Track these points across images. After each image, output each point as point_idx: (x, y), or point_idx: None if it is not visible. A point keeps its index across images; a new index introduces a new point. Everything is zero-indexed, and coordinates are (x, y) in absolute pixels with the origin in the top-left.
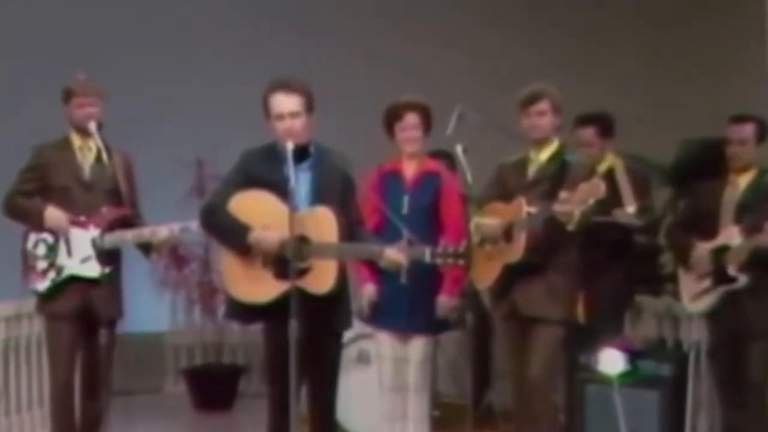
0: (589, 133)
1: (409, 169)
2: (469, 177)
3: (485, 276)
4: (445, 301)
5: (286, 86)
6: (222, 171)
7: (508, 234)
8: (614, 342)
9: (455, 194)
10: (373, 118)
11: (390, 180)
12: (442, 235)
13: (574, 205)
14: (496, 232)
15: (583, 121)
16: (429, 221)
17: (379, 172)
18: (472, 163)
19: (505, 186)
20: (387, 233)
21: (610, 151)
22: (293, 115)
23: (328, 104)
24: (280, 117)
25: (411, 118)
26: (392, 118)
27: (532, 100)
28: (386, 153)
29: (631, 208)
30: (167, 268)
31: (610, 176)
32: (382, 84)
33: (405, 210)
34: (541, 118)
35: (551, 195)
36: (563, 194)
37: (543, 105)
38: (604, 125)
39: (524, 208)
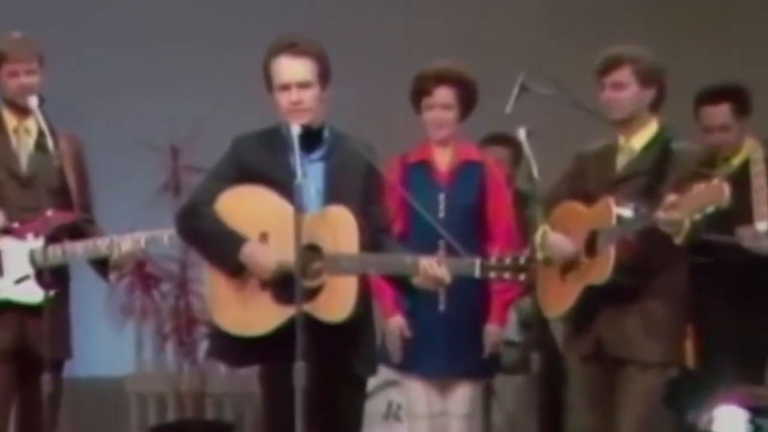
0: (722, 112)
1: (443, 159)
2: (535, 170)
3: (558, 301)
4: (494, 331)
5: (292, 47)
6: (202, 161)
7: (590, 246)
8: (733, 395)
9: (504, 189)
10: (395, 92)
11: (417, 174)
12: (489, 244)
13: (683, 212)
14: (569, 252)
15: (714, 96)
16: (471, 226)
17: (403, 163)
18: (539, 151)
19: (585, 182)
20: (415, 245)
21: (750, 137)
22: (302, 85)
23: (336, 76)
24: (285, 88)
25: (442, 94)
26: (419, 91)
27: (606, 67)
28: (411, 137)
29: (763, 225)
30: (131, 291)
31: (741, 174)
32: (408, 48)
33: (441, 212)
34: (619, 91)
35: (650, 195)
36: (671, 197)
37: (621, 74)
38: (741, 101)
39: (613, 210)
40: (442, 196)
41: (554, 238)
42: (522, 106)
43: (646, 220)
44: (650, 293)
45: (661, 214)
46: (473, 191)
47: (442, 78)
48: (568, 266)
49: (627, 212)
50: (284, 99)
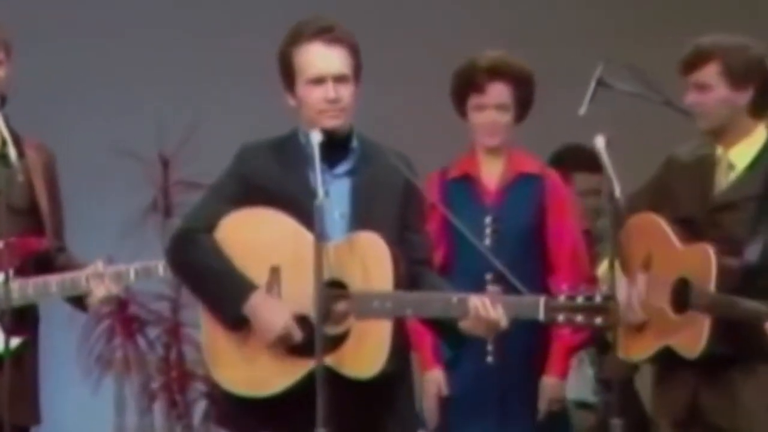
0: None
1: (491, 172)
2: (617, 187)
3: (629, 343)
4: (552, 384)
5: (329, 32)
6: (198, 175)
7: (677, 296)
8: None
9: (569, 208)
10: (425, 91)
11: (459, 191)
12: (550, 278)
13: None
14: (637, 319)
15: None
16: (526, 255)
17: (442, 179)
18: (620, 164)
19: (674, 198)
20: (457, 279)
21: None
22: (339, 79)
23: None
24: (318, 82)
25: (497, 92)
26: (465, 87)
27: (688, 64)
28: (447, 146)
29: None
30: (110, 337)
31: None
32: (445, 36)
33: (487, 238)
34: (703, 93)
35: (760, 227)
36: None
37: (706, 72)
38: None
39: (713, 267)
40: (488, 218)
41: (628, 292)
42: (600, 107)
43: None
44: (762, 353)
45: None
46: (529, 211)
47: (497, 72)
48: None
49: (734, 261)
50: (316, 96)
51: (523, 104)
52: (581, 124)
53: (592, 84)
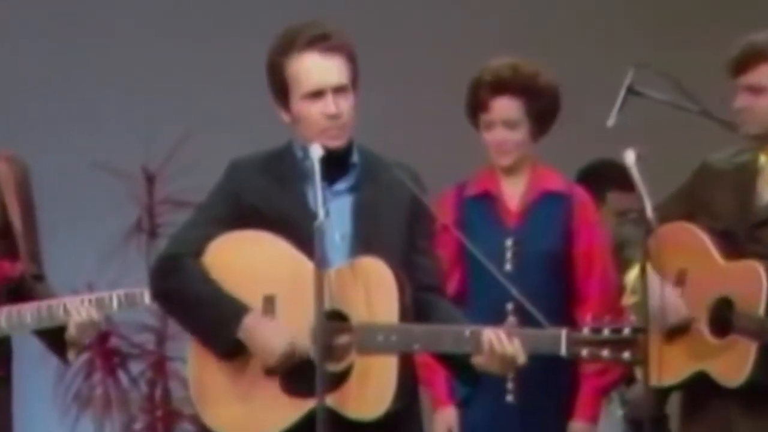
0: None
1: (512, 191)
2: (648, 205)
3: (668, 368)
4: (581, 430)
5: (325, 40)
6: (186, 192)
7: (717, 318)
8: None
9: (598, 232)
10: (436, 99)
11: (477, 211)
12: (577, 309)
13: None
14: (680, 319)
15: None
16: (550, 284)
17: (459, 196)
18: (651, 181)
19: (711, 208)
20: (475, 310)
21: None
22: (338, 91)
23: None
24: (316, 95)
25: (503, 107)
26: (472, 105)
27: (739, 64)
28: (461, 161)
29: None
30: (89, 373)
31: None
32: (456, 37)
33: (508, 263)
34: (756, 96)
35: None
36: None
37: (759, 73)
38: None
39: (763, 283)
40: (509, 241)
41: (656, 298)
42: (630, 117)
43: None
44: None
45: None
46: (553, 234)
47: (501, 85)
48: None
49: None
50: (315, 111)
51: (538, 118)
52: (609, 136)
53: (622, 92)
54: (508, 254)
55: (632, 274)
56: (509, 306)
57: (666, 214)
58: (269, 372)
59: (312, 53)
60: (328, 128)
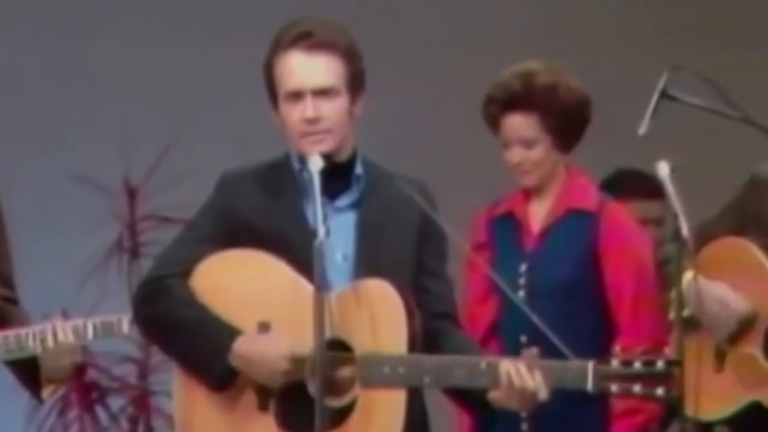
0: None
1: (538, 210)
2: (683, 222)
3: (708, 397)
4: None
5: (307, 38)
6: (172, 207)
7: None
8: None
9: (632, 253)
10: (456, 105)
11: (503, 231)
12: (608, 338)
13: None
14: (741, 313)
15: None
16: (571, 315)
17: (490, 216)
18: (687, 195)
19: (761, 223)
20: (498, 340)
21: None
22: (320, 93)
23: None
24: (295, 97)
25: (516, 125)
26: (488, 123)
27: None
28: (493, 174)
29: None
30: (64, 409)
31: None
32: (479, 38)
33: (521, 290)
34: None
35: None
36: None
37: None
38: None
39: None
40: (523, 267)
41: (717, 291)
42: (664, 126)
43: None
44: None
45: None
46: (574, 259)
47: (511, 102)
48: (730, 353)
49: None
50: (294, 115)
51: (561, 131)
52: (641, 146)
53: (655, 97)
54: (522, 280)
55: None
56: (523, 338)
57: (712, 232)
58: (264, 401)
59: (296, 52)
60: (307, 133)
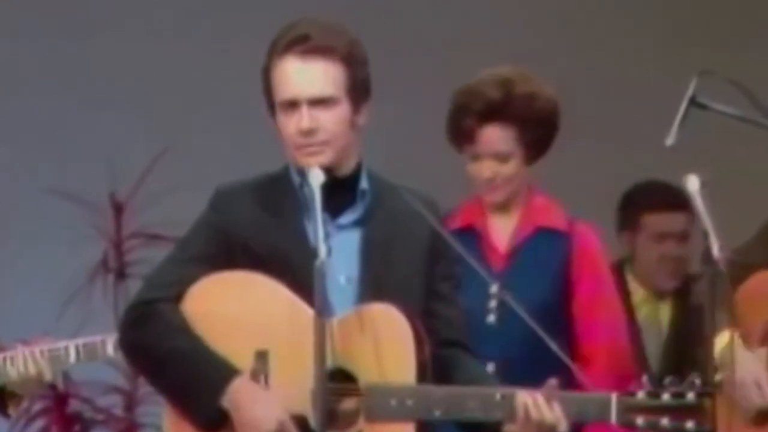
0: None
1: (502, 227)
2: (715, 245)
3: None
4: None
5: (303, 42)
6: (161, 224)
7: None
8: None
9: (604, 276)
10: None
11: (463, 246)
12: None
13: None
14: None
15: None
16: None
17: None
18: (718, 212)
19: None
20: None
21: None
22: (317, 103)
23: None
24: (290, 107)
25: (492, 139)
26: (455, 135)
27: None
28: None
29: None
30: None
31: None
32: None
33: (491, 314)
34: None
35: None
36: None
37: None
38: None
39: None
40: (493, 288)
41: (755, 368)
42: (692, 137)
43: None
44: None
45: None
46: (546, 281)
47: (489, 113)
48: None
49: None
50: (290, 126)
51: (534, 145)
52: (668, 157)
53: (683, 104)
54: (492, 304)
55: (718, 345)
56: (490, 366)
57: (750, 259)
58: None
59: (291, 58)
60: (303, 145)
